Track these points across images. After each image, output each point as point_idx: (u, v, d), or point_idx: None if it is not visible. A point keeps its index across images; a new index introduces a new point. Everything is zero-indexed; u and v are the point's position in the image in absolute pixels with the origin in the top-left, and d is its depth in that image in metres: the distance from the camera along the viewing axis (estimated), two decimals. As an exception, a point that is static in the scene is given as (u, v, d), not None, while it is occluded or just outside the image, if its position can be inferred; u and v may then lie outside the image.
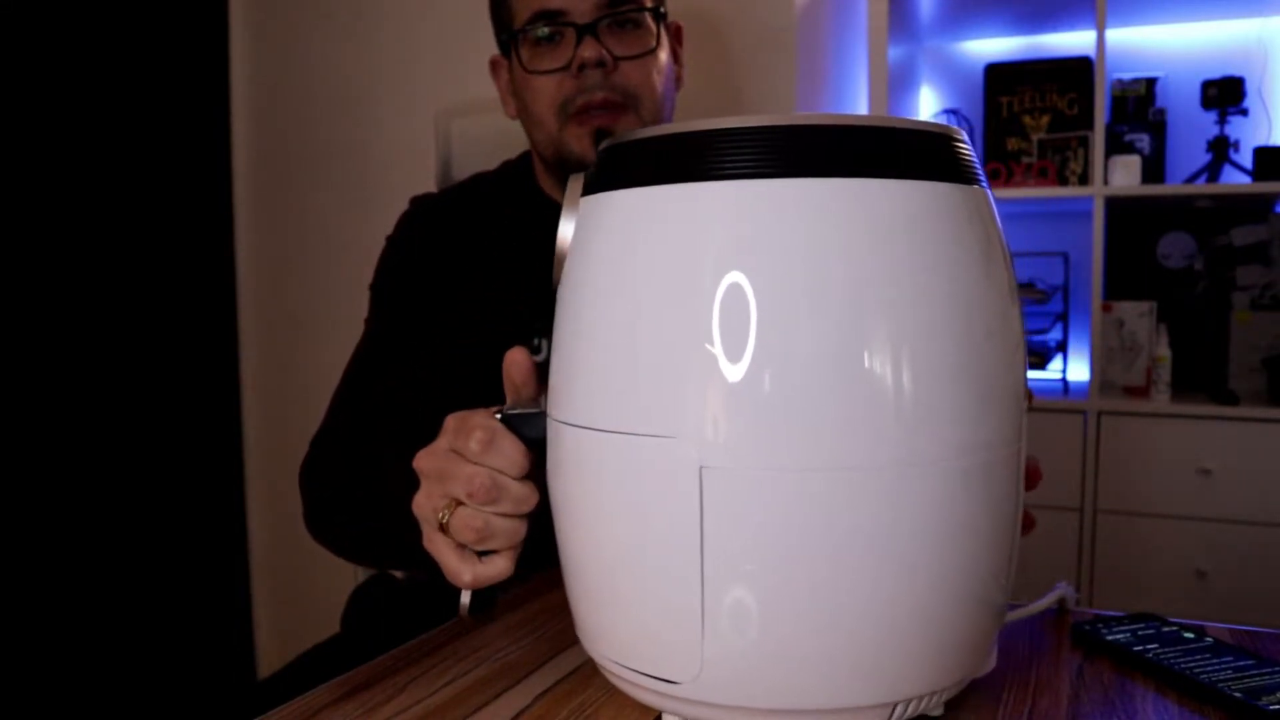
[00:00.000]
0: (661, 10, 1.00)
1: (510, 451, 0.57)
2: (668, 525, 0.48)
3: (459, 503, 0.59)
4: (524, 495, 0.58)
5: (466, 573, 0.59)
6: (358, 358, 1.02)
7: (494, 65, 1.08)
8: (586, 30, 0.93)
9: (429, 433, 0.63)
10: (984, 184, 0.52)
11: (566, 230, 0.55)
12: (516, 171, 1.09)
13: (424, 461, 0.61)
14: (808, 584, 0.46)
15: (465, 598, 0.63)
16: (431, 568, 0.63)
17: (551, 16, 0.94)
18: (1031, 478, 0.57)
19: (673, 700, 0.51)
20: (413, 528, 0.64)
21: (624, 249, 0.50)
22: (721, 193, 0.47)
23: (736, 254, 0.46)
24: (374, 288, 1.07)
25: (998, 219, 0.53)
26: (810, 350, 0.46)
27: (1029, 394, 0.58)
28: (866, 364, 0.46)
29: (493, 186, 1.09)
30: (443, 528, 0.59)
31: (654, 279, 0.48)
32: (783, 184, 0.46)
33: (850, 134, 0.47)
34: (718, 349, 0.46)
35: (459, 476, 0.58)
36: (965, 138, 0.53)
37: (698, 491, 0.46)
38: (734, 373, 0.46)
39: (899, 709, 0.50)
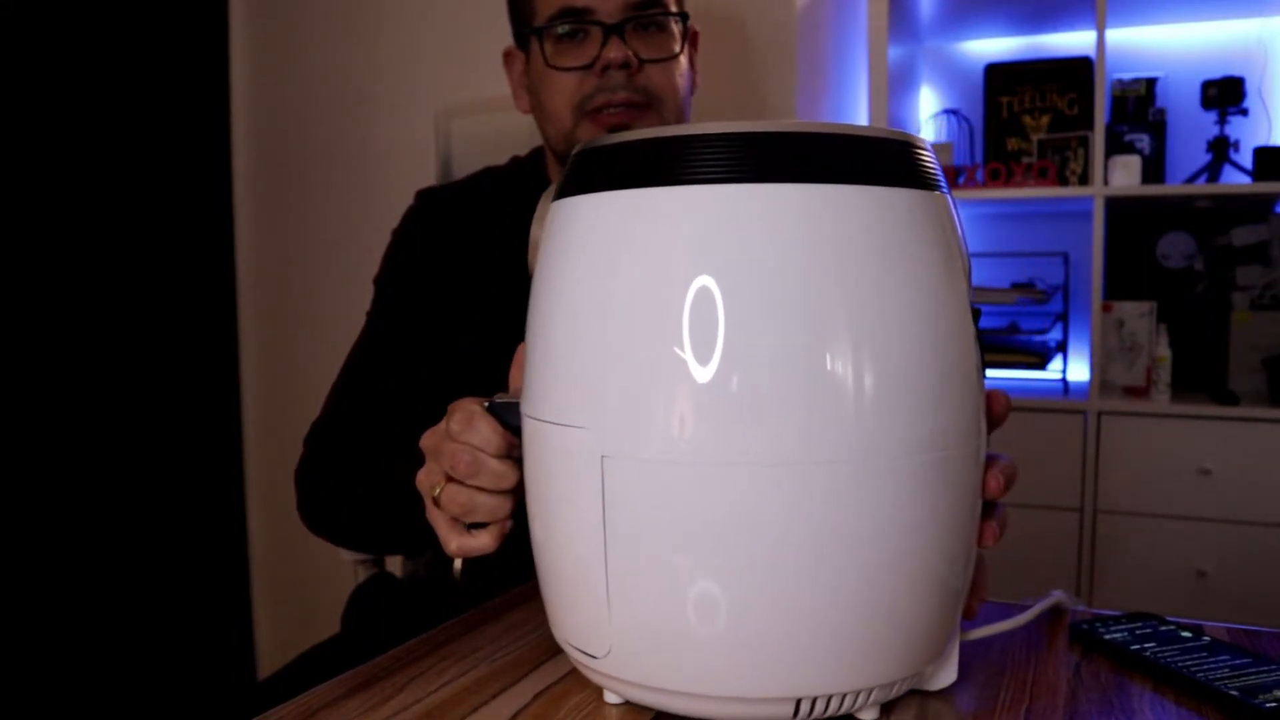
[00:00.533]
0: (683, 16, 1.00)
1: (486, 431, 0.62)
2: (579, 510, 0.52)
3: (449, 479, 0.63)
4: (501, 472, 0.62)
5: (453, 542, 0.64)
6: (358, 352, 1.02)
7: (507, 57, 1.07)
8: (613, 30, 0.93)
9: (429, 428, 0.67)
10: (944, 190, 0.54)
11: (537, 230, 0.59)
12: (526, 168, 1.09)
13: (426, 440, 0.67)
14: (703, 573, 0.49)
15: (457, 564, 0.69)
16: (431, 549, 0.68)
17: (578, 14, 0.94)
18: (990, 486, 0.55)
19: (597, 674, 0.55)
20: (413, 510, 0.69)
21: (581, 251, 0.52)
22: (685, 197, 0.49)
23: (697, 256, 0.48)
24: (377, 282, 1.07)
25: (958, 225, 0.54)
26: (716, 346, 0.48)
27: (1004, 400, 0.57)
28: (795, 361, 0.47)
29: (501, 183, 1.09)
30: (435, 501, 0.64)
31: (600, 279, 0.51)
32: (748, 189, 0.48)
33: (815, 141, 0.49)
34: (633, 346, 0.50)
35: (445, 453, 0.63)
36: (928, 146, 0.54)
37: (600, 480, 0.50)
38: (630, 369, 0.49)
39: (804, 705, 0.50)
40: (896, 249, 0.49)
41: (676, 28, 0.98)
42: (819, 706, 0.51)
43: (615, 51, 0.93)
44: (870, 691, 0.52)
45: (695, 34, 1.06)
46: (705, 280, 0.48)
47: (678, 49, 0.98)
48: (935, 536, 0.50)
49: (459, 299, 1.00)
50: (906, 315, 0.49)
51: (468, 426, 0.62)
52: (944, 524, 0.51)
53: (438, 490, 0.64)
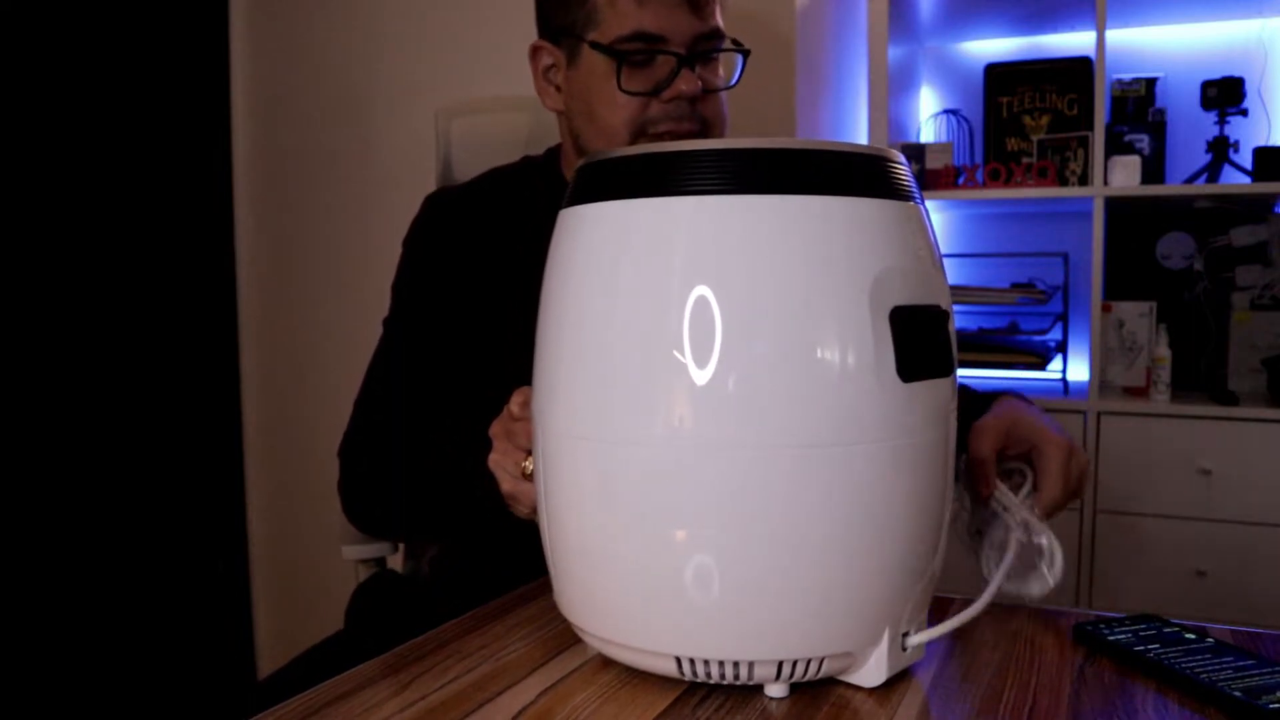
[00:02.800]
0: (737, 44, 1.02)
1: None
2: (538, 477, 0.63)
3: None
4: None
5: None
6: (379, 360, 1.02)
7: (536, 51, 1.05)
8: (687, 62, 0.95)
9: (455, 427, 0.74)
10: (919, 201, 0.59)
11: None
12: (539, 168, 1.09)
13: (494, 428, 0.77)
14: (613, 535, 0.56)
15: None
16: (483, 528, 0.83)
17: (650, 39, 0.95)
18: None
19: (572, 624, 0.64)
20: (463, 496, 0.81)
21: (586, 254, 0.58)
22: (676, 207, 0.54)
23: (682, 261, 0.54)
24: (394, 288, 1.06)
25: (931, 232, 0.59)
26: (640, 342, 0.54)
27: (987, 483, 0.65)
28: (749, 354, 0.53)
29: (513, 183, 1.08)
30: (526, 475, 0.74)
31: (594, 279, 0.57)
32: (731, 200, 0.53)
33: (797, 156, 0.54)
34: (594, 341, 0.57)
35: (516, 431, 0.74)
36: (902, 159, 0.59)
37: (541, 451, 0.61)
38: (551, 357, 0.60)
39: (684, 664, 0.56)
40: (869, 255, 0.54)
41: (733, 58, 1.01)
42: (699, 668, 0.56)
43: (688, 85, 0.95)
44: (751, 665, 0.55)
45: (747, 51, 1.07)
46: (694, 283, 0.53)
47: (734, 81, 1.01)
48: (827, 525, 0.53)
49: (477, 300, 1.00)
50: (847, 315, 0.53)
51: (525, 406, 0.70)
52: (836, 516, 0.53)
53: (530, 467, 0.73)
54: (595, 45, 0.97)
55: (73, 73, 1.85)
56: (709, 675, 0.56)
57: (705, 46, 0.97)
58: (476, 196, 1.08)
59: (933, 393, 0.56)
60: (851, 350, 0.53)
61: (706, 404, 0.52)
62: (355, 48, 2.07)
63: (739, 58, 1.02)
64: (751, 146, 0.54)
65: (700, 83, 0.96)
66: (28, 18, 1.77)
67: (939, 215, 2.32)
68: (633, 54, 0.95)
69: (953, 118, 2.26)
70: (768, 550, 0.53)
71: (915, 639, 0.59)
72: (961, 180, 2.00)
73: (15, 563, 1.76)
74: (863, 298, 0.53)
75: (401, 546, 1.26)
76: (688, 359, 0.52)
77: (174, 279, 2.06)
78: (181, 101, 2.07)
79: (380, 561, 1.21)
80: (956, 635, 0.67)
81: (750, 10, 1.72)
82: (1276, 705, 0.53)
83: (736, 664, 0.55)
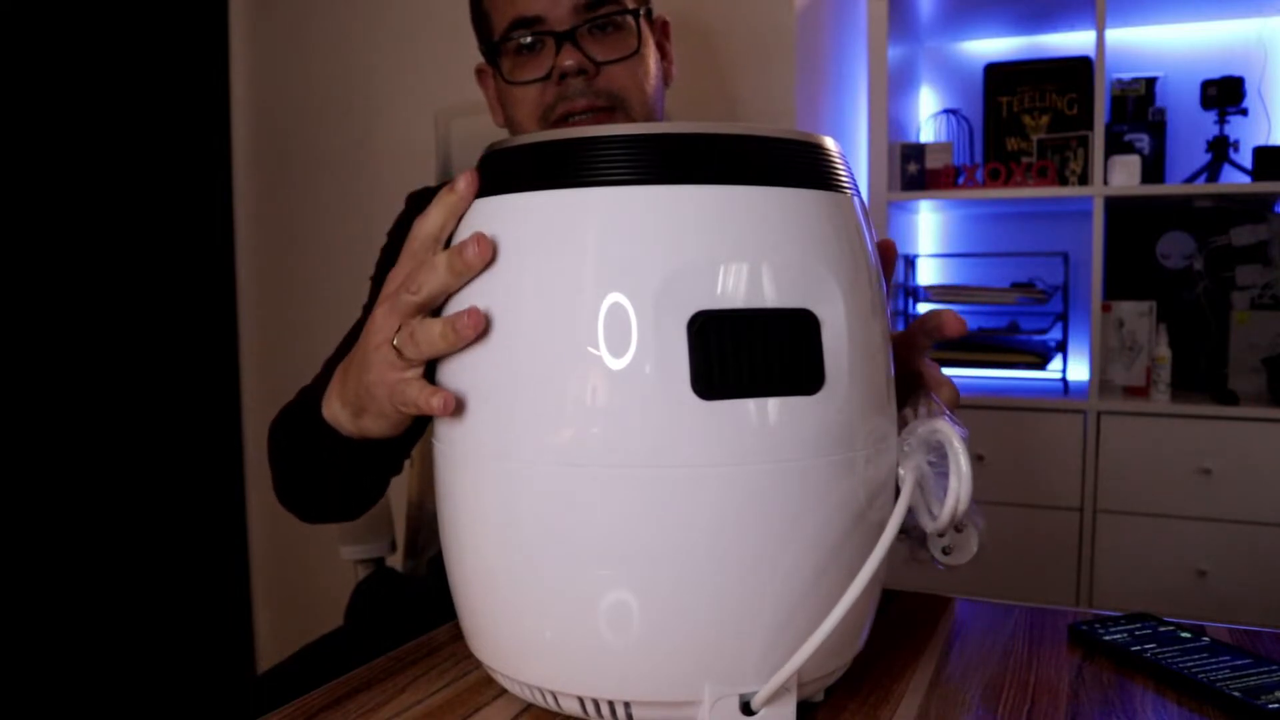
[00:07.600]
0: (644, 10, 0.98)
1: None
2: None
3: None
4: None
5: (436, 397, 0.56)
6: (343, 343, 1.02)
7: (480, 74, 1.06)
8: (565, 38, 0.92)
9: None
10: (854, 191, 0.53)
11: None
12: None
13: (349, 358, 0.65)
14: (505, 560, 0.52)
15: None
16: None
17: (529, 23, 0.93)
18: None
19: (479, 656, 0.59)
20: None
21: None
22: (584, 199, 0.49)
23: (591, 259, 0.48)
24: (373, 280, 1.07)
25: (865, 225, 0.54)
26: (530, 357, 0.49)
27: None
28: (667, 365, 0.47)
29: None
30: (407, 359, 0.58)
31: (488, 279, 0.52)
32: (644, 191, 0.48)
33: (717, 142, 0.48)
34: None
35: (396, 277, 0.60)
36: (836, 147, 0.53)
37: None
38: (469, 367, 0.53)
39: (591, 705, 0.52)
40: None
41: (634, 24, 0.96)
42: (608, 710, 0.51)
43: (569, 59, 0.92)
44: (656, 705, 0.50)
45: (665, 23, 1.05)
46: (599, 282, 0.48)
47: (637, 46, 0.96)
48: (712, 551, 0.48)
49: None
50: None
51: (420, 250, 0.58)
52: (737, 539, 0.48)
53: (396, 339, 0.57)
54: (488, 47, 0.97)
55: (73, 72, 1.85)
56: (627, 714, 0.51)
57: (589, 17, 0.93)
58: None
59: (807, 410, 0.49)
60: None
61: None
62: (354, 48, 2.07)
63: (637, 24, 0.96)
64: (664, 132, 0.49)
65: (581, 56, 0.92)
66: (28, 17, 1.77)
67: (939, 215, 2.32)
68: (515, 43, 0.93)
69: (952, 117, 2.26)
70: (683, 581, 0.48)
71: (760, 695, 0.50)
72: (961, 180, 2.00)
73: (17, 562, 1.76)
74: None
75: (400, 547, 1.26)
76: (604, 354, 0.48)
77: (174, 280, 2.06)
78: (181, 101, 2.08)
79: (379, 561, 1.21)
80: (953, 635, 0.67)
81: (750, 10, 1.72)
82: (1276, 705, 0.53)
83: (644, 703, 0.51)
